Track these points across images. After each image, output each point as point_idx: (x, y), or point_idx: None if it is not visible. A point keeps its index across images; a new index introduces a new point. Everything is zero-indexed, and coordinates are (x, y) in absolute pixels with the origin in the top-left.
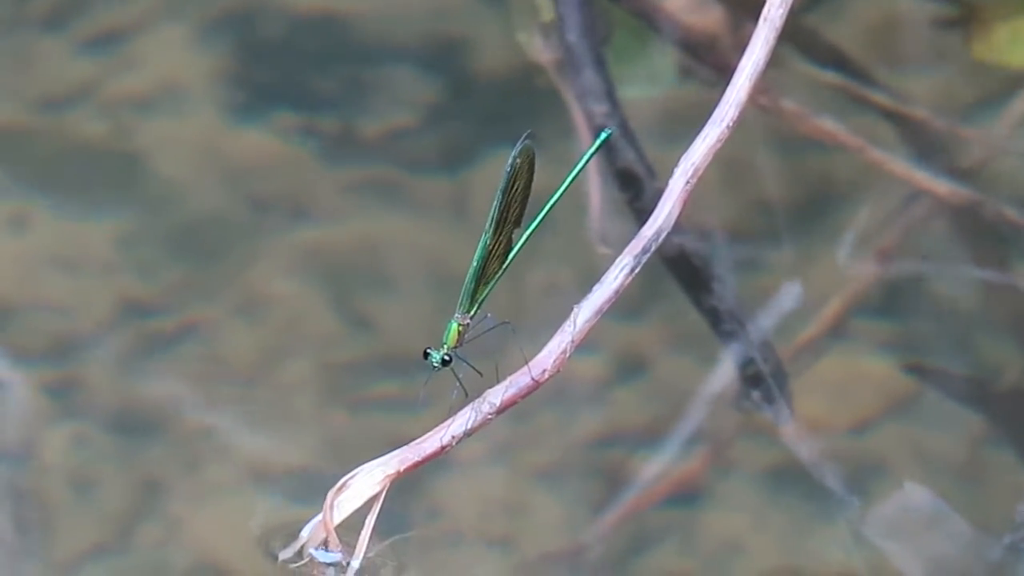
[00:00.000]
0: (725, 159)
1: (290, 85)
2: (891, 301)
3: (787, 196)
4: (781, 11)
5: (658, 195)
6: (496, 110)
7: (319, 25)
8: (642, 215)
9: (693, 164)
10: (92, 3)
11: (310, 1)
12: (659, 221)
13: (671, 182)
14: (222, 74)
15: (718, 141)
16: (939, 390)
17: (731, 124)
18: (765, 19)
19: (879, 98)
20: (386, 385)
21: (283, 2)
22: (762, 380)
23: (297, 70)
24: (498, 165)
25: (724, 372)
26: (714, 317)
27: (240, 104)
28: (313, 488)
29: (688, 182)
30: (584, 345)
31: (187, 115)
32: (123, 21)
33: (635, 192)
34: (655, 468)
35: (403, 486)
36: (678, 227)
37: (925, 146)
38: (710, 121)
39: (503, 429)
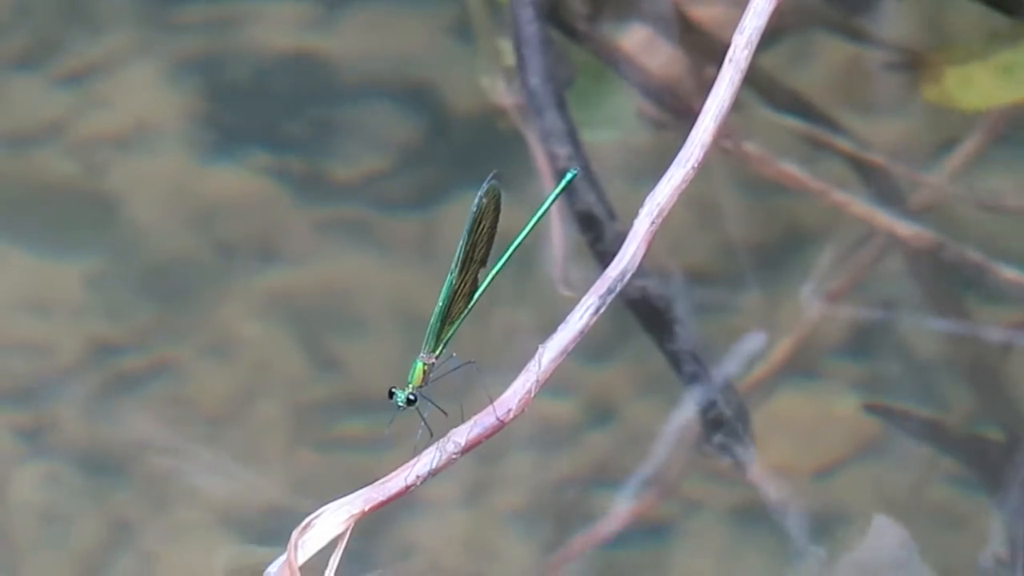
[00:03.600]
0: (689, 201)
1: (260, 126)
2: (858, 343)
3: (752, 238)
4: (746, 53)
5: (619, 237)
6: (466, 151)
7: (290, 66)
8: (604, 257)
9: (658, 205)
10: (64, 42)
11: (281, 42)
12: (624, 262)
13: (636, 223)
14: (193, 114)
15: (683, 182)
16: (904, 431)
17: (696, 166)
18: (730, 60)
19: (839, 142)
20: (356, 425)
21: (254, 43)
22: (724, 423)
23: (268, 111)
24: (467, 206)
25: (687, 414)
26: (676, 360)
27: (211, 144)
28: (282, 528)
29: (653, 223)
30: (553, 386)
31: (158, 155)
32: (94, 60)
33: (596, 234)
34: (623, 508)
35: (372, 526)
36: (641, 269)
37: (887, 189)
38: (675, 162)
39: (471, 470)
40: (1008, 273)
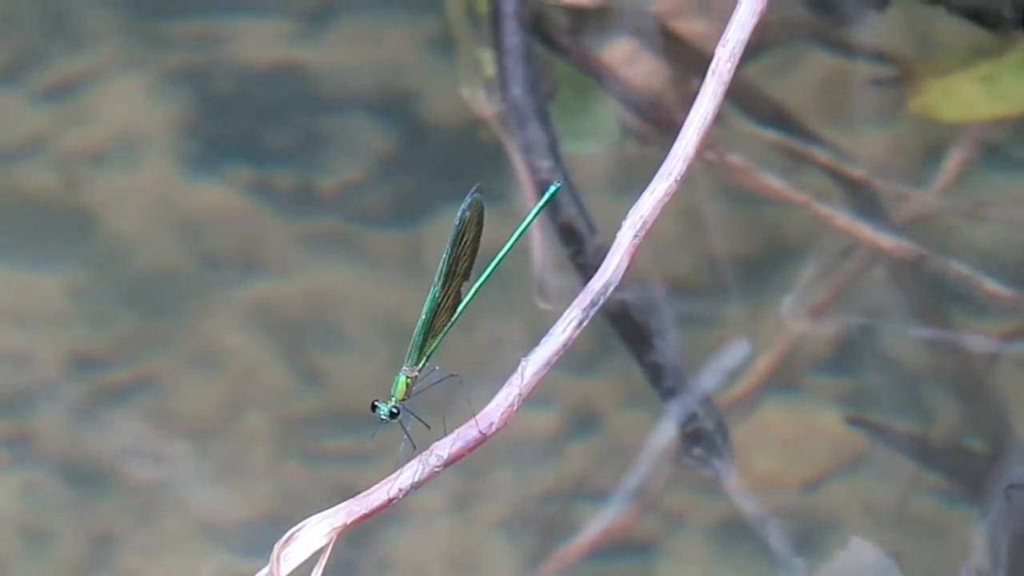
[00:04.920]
0: (672, 213)
1: (244, 138)
2: (841, 355)
3: (735, 250)
4: (729, 66)
5: (600, 250)
6: (448, 162)
7: (274, 79)
8: (585, 270)
9: (641, 217)
10: (47, 55)
11: (264, 54)
12: (607, 274)
13: (619, 235)
14: (176, 127)
15: (666, 195)
16: (887, 444)
17: (679, 178)
18: (713, 73)
19: (822, 155)
20: (340, 437)
21: (237, 55)
22: (704, 436)
23: (251, 123)
24: (449, 217)
25: (668, 427)
26: (656, 373)
27: (194, 157)
28: (265, 541)
29: (636, 235)
30: (537, 399)
31: (141, 168)
32: (77, 73)
33: (577, 248)
34: (606, 519)
35: (356, 538)
36: (622, 282)
37: (871, 201)
38: (658, 175)
39: (455, 482)
40: (991, 286)
